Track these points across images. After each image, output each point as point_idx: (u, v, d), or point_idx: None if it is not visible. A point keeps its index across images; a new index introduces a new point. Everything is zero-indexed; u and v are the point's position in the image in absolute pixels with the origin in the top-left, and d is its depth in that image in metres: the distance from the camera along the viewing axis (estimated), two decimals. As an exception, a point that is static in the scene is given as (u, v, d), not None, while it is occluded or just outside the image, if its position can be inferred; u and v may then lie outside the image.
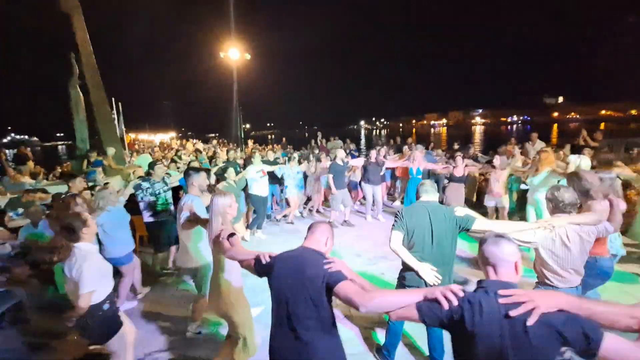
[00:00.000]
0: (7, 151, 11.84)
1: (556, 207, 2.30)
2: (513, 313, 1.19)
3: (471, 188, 6.93)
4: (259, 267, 1.81)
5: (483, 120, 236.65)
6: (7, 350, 3.00)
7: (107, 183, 5.72)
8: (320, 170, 6.93)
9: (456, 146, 9.31)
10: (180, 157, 10.85)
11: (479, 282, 1.40)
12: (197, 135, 53.50)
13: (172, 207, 4.54)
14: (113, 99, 10.20)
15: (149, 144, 22.88)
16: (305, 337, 1.60)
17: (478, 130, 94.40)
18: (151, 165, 4.74)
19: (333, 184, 6.10)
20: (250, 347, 2.45)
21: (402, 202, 7.42)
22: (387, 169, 7.00)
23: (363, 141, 37.51)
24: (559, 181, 3.98)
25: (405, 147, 8.71)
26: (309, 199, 7.44)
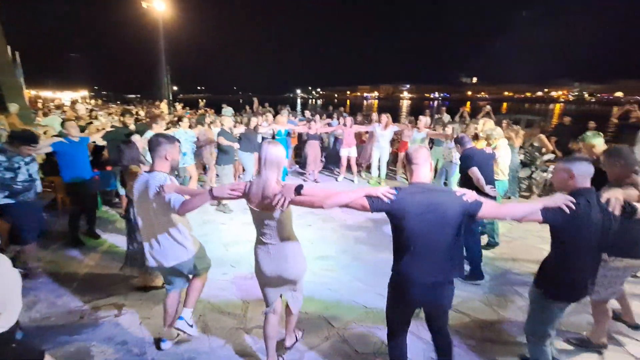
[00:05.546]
0: None
1: None
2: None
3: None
4: (377, 205, 1.74)
5: (410, 95, 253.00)
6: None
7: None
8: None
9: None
10: (95, 118, 9.98)
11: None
12: (115, 96, 47.52)
13: (37, 184, 3.44)
14: (9, 46, 8.72)
15: (57, 103, 19.77)
16: (443, 267, 1.77)
17: (405, 104, 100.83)
18: (63, 125, 4.21)
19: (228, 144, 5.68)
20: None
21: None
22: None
23: (299, 109, 37.33)
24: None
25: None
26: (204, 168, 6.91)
